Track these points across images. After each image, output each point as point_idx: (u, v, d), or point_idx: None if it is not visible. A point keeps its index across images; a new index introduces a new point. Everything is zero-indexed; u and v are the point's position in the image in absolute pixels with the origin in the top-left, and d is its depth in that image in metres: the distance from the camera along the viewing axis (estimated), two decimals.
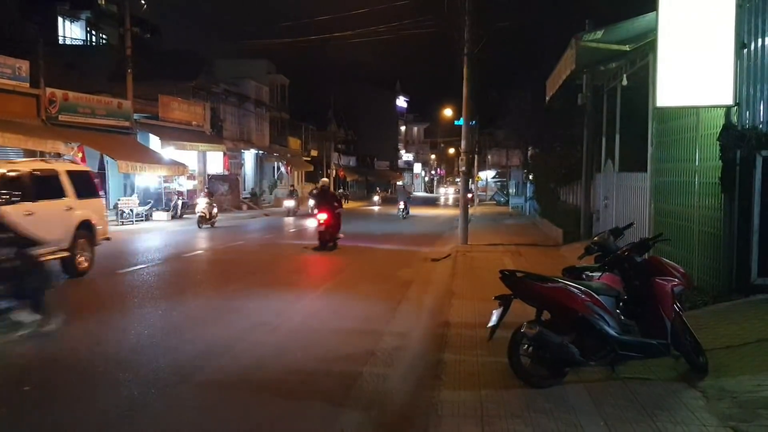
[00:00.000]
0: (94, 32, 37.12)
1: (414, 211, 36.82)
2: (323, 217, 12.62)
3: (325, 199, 16.98)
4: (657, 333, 5.64)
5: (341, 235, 17.01)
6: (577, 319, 5.53)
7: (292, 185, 43.78)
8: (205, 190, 27.49)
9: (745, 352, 6.17)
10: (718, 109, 8.10)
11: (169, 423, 5.26)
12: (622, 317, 5.81)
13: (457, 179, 29.99)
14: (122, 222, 24.85)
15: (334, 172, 63.28)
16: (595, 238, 6.50)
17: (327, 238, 16.38)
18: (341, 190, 60.28)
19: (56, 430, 5.13)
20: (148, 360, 6.91)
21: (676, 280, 5.78)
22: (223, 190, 36.67)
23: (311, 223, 17.69)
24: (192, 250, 17.32)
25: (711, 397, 5.18)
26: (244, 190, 41.87)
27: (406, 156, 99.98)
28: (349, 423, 5.20)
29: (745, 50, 7.91)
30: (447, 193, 73.63)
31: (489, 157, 68.69)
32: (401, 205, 33.31)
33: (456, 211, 25.25)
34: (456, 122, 42.04)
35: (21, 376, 6.36)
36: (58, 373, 6.49)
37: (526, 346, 5.62)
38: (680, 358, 5.83)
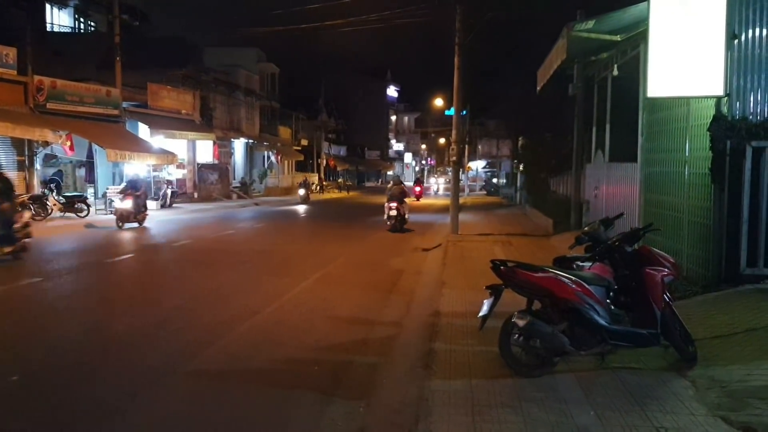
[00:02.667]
0: (82, 19, 36.79)
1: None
2: (394, 204, 20.27)
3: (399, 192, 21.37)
4: (647, 322, 5.66)
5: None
6: (568, 308, 5.56)
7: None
8: None
9: (734, 341, 6.21)
10: (709, 99, 8.12)
11: (157, 413, 5.23)
12: (612, 307, 5.83)
13: (448, 169, 30.29)
14: (111, 211, 24.70)
15: (324, 161, 63.22)
16: (586, 228, 6.51)
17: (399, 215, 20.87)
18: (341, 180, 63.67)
19: (45, 421, 5.09)
20: (137, 350, 6.88)
21: (666, 270, 5.80)
22: (213, 179, 36.56)
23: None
24: None
25: (700, 387, 5.21)
26: (234, 179, 41.73)
27: (396, 146, 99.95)
28: (339, 412, 5.19)
29: (736, 41, 7.92)
30: (438, 183, 73.77)
31: (479, 147, 68.77)
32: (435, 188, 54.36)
33: (446, 201, 25.44)
34: (447, 112, 42.08)
35: (8, 366, 6.31)
36: (46, 363, 6.45)
37: (517, 335, 5.64)
38: (670, 348, 5.87)
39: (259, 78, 46.99)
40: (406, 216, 20.67)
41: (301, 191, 38.17)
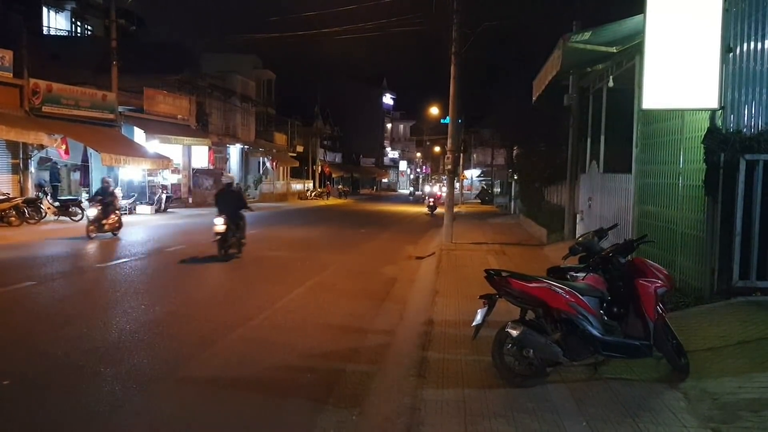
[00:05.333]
0: (79, 23, 36.77)
1: (399, 208, 38.21)
2: (432, 199, 35.67)
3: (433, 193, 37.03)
4: (640, 334, 5.67)
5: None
6: (561, 319, 5.57)
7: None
8: None
9: (727, 353, 6.22)
10: (704, 112, 8.15)
11: (148, 420, 5.21)
12: (606, 318, 5.84)
13: (443, 177, 30.97)
14: None
15: (319, 168, 63.25)
16: (580, 239, 6.52)
17: (433, 206, 34.32)
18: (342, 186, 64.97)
19: (37, 426, 5.06)
20: (129, 355, 6.85)
21: (660, 281, 5.81)
22: (208, 184, 36.51)
23: None
24: None
25: (692, 399, 5.22)
26: None
27: (391, 153, 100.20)
28: (332, 421, 5.18)
29: (731, 54, 7.96)
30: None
31: (474, 155, 68.80)
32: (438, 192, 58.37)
33: (440, 210, 25.56)
34: (442, 120, 42.21)
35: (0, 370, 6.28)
36: (38, 368, 6.42)
37: (510, 345, 5.64)
38: (662, 359, 5.88)
39: (255, 84, 47.05)
40: (438, 206, 33.03)
41: (92, 212, 17.78)
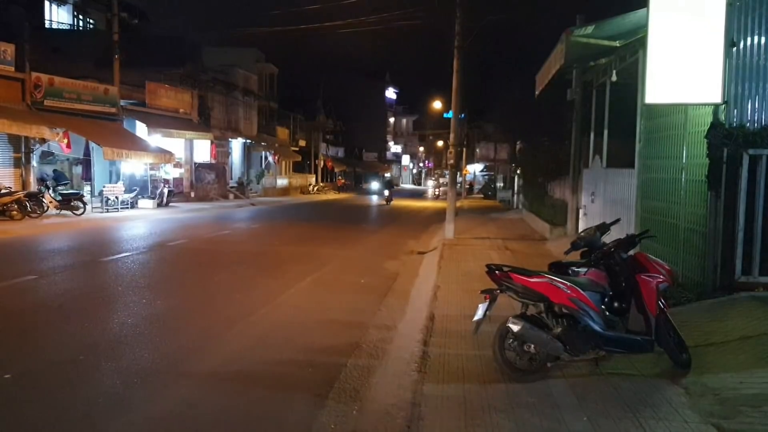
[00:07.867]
0: (81, 16, 36.70)
1: (401, 203, 38.55)
2: (438, 190, 53.70)
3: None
4: (641, 329, 5.65)
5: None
6: (563, 313, 5.56)
7: None
8: None
9: (728, 349, 6.20)
10: (707, 107, 8.11)
11: (148, 413, 5.21)
12: (607, 313, 5.83)
13: (446, 172, 30.62)
14: (107, 209, 24.68)
15: (322, 162, 63.24)
16: (582, 234, 6.50)
17: (438, 195, 51.90)
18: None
19: (38, 420, 5.06)
20: (130, 349, 6.85)
21: (662, 276, 5.79)
22: (210, 178, 36.52)
23: None
24: None
25: (693, 394, 5.21)
26: (231, 179, 41.69)
27: (394, 148, 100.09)
28: (332, 415, 5.17)
29: (735, 49, 7.92)
30: (439, 187, 73.95)
31: (477, 150, 68.66)
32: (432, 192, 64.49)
33: (443, 204, 25.52)
34: (445, 115, 42.19)
35: (1, 364, 6.28)
36: (39, 361, 6.42)
37: (511, 340, 5.63)
38: (663, 355, 5.86)
39: (257, 78, 46.93)
40: (441, 194, 44.94)
41: None
